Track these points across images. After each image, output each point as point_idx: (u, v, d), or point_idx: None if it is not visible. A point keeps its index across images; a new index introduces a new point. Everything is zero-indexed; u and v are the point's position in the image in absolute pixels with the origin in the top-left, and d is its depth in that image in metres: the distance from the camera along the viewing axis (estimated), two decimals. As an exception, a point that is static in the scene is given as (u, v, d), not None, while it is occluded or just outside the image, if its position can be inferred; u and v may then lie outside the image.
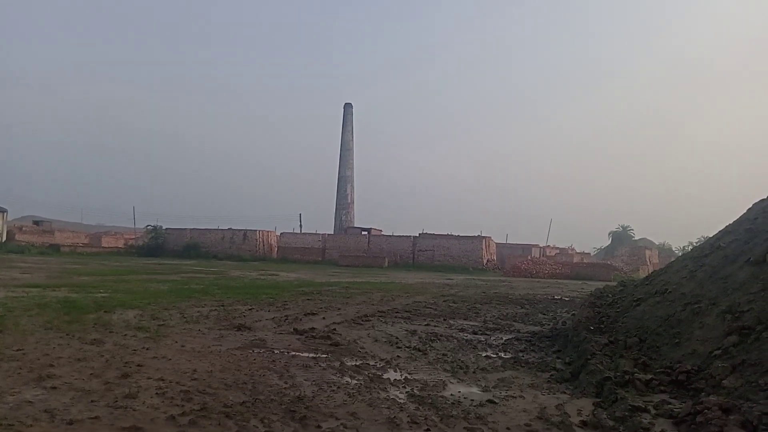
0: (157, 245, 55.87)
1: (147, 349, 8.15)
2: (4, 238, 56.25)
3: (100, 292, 15.55)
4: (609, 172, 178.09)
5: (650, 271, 22.45)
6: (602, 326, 9.99)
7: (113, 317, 11.02)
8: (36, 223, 72.78)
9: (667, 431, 5.07)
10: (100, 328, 9.66)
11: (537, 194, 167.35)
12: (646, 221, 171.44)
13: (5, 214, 60.41)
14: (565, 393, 6.73)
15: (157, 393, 5.85)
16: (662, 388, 6.44)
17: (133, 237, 67.45)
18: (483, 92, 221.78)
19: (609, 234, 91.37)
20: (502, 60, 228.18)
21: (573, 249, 73.49)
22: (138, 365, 7.06)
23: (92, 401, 5.44)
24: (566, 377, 7.46)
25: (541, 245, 65.95)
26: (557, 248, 70.63)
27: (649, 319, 8.96)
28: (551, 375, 7.66)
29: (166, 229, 58.70)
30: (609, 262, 54.68)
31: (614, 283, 18.66)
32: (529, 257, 53.19)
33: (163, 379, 6.40)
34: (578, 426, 5.41)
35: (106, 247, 60.62)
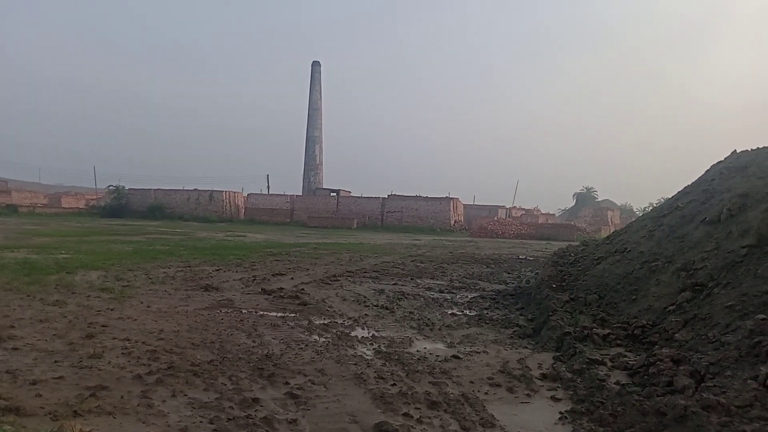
0: (119, 206, 54.47)
1: (111, 309, 8.05)
2: (-43, 199, 54.05)
3: (62, 254, 15.19)
4: (575, 135, 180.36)
5: (612, 231, 23.09)
6: (564, 284, 10.29)
7: (76, 278, 10.82)
8: (-9, 182, 70.02)
9: (622, 382, 5.32)
10: (62, 290, 9.48)
11: (504, 156, 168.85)
12: (609, 184, 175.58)
13: (-43, 173, 57.91)
14: (526, 348, 6.96)
15: (122, 353, 5.82)
16: (619, 342, 6.72)
17: (95, 198, 65.52)
18: (452, 54, 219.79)
19: (573, 195, 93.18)
20: (471, 20, 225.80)
21: (538, 210, 74.82)
22: (102, 326, 6.99)
23: (56, 362, 5.39)
24: (528, 333, 7.72)
25: (507, 206, 66.81)
26: (523, 209, 71.75)
27: (609, 277, 9.27)
28: (514, 331, 7.90)
29: (129, 189, 57.20)
30: (573, 223, 55.95)
31: (577, 243, 19.17)
32: (495, 218, 53.95)
33: (128, 339, 6.36)
34: (538, 378, 5.63)
35: (66, 208, 58.84)
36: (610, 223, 57.00)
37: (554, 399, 5.06)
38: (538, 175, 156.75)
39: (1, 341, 5.99)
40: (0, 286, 9.41)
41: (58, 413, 4.05)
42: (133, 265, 13.26)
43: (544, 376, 5.69)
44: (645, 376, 5.29)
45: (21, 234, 23.01)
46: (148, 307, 8.44)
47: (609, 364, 5.91)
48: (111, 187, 57.61)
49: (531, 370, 5.88)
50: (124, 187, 57.34)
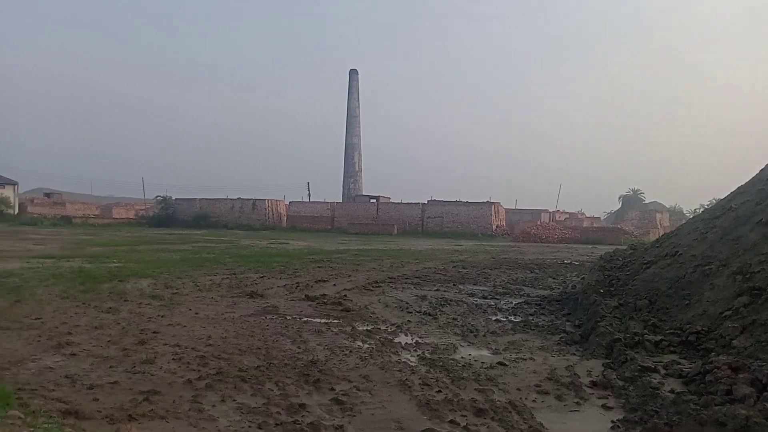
0: (167, 215, 56.14)
1: (162, 316, 8.29)
2: (17, 211, 56.80)
3: (114, 262, 15.76)
4: (619, 136, 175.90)
5: (661, 234, 22.35)
6: (612, 289, 10.02)
7: (127, 286, 11.19)
8: (47, 195, 73.35)
9: (677, 390, 5.13)
10: (116, 297, 9.83)
11: (546, 160, 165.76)
12: (657, 185, 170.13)
13: (16, 186, 60.87)
14: (574, 355, 6.80)
15: (173, 358, 5.98)
16: (672, 348, 6.49)
17: (144, 208, 67.85)
18: (492, 59, 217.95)
19: (619, 198, 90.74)
20: (512, 25, 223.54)
21: (583, 213, 73.19)
22: (154, 332, 7.20)
23: (111, 367, 5.58)
24: (576, 339, 7.54)
25: (550, 210, 65.67)
26: (567, 213, 70.33)
27: (660, 282, 8.97)
28: (561, 337, 7.73)
29: (176, 199, 58.89)
30: (619, 226, 54.46)
31: (624, 247, 18.62)
32: (538, 222, 53.07)
33: (178, 345, 6.53)
34: (588, 386, 5.48)
35: (116, 218, 61.07)
36: (659, 226, 55.19)
37: (605, 407, 4.92)
38: (581, 177, 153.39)
39: (60, 347, 6.25)
40: (57, 294, 9.83)
41: (114, 417, 4.19)
42: (181, 273, 13.63)
43: (594, 384, 5.54)
44: (701, 385, 5.09)
45: (75, 244, 23.99)
46: (196, 313, 8.65)
47: (662, 371, 5.72)
48: (159, 198, 59.48)
49: (580, 378, 5.73)
50: (171, 197, 59.10)
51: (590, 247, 36.24)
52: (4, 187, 58.56)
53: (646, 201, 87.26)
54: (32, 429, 3.46)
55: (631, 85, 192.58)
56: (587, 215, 72.54)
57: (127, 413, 4.28)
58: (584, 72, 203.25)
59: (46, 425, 3.57)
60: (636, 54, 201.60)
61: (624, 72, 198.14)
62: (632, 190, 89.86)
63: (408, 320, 8.80)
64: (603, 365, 6.18)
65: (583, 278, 13.80)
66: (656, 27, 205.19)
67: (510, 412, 4.70)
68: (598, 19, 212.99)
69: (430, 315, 9.30)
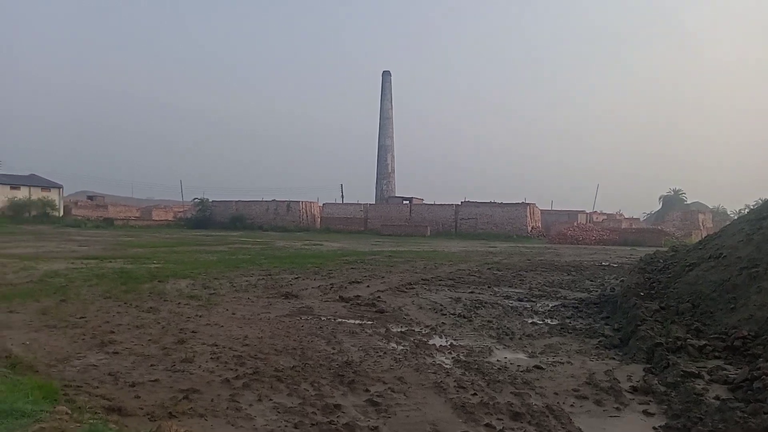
0: (204, 217, 57.38)
1: (200, 316, 8.46)
2: (62, 213, 58.92)
3: (153, 263, 16.17)
4: (660, 135, 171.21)
5: (704, 236, 21.66)
6: (653, 292, 9.75)
7: (167, 286, 11.46)
8: (90, 198, 75.81)
9: (722, 396, 4.96)
10: (155, 297, 10.08)
11: (583, 159, 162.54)
12: (699, 185, 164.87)
13: (61, 189, 63.15)
14: (614, 359, 6.65)
15: (211, 358, 6.09)
16: (716, 354, 6.28)
17: (182, 210, 69.47)
18: (525, 57, 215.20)
19: (659, 198, 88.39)
20: (545, 21, 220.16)
21: (621, 214, 71.58)
22: (192, 331, 7.35)
23: (152, 365, 5.72)
24: (615, 343, 7.37)
25: (587, 211, 64.44)
26: (604, 214, 68.92)
27: (703, 285, 8.68)
28: (599, 341, 7.57)
29: (213, 201, 60.15)
30: (659, 227, 53.01)
31: (665, 249, 18.10)
32: (575, 223, 52.14)
33: (216, 345, 6.65)
34: (628, 391, 5.35)
35: (156, 220, 62.71)
36: (702, 227, 53.51)
37: (646, 413, 4.79)
38: (620, 178, 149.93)
39: (104, 345, 6.44)
40: (100, 294, 10.14)
41: (155, 414, 4.29)
42: (218, 274, 13.88)
43: (634, 389, 5.40)
44: (748, 391, 4.91)
45: (117, 245, 24.71)
46: (233, 314, 8.79)
47: (707, 377, 5.53)
48: (196, 200, 60.85)
49: (620, 383, 5.60)
50: (208, 199, 60.38)
51: (629, 249, 35.39)
52: (50, 191, 60.88)
53: (688, 201, 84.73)
54: (79, 425, 3.57)
55: (672, 80, 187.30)
56: (626, 216, 70.93)
57: (168, 411, 4.38)
58: (622, 68, 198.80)
59: (92, 421, 3.68)
60: (678, 49, 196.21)
61: (664, 67, 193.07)
62: (673, 190, 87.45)
63: (442, 322, 8.76)
64: (644, 370, 6.02)
65: (622, 281, 13.48)
66: (699, 21, 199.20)
67: (547, 416, 4.62)
68: (634, 12, 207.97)
69: (464, 317, 9.23)
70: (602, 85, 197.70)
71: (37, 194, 58.82)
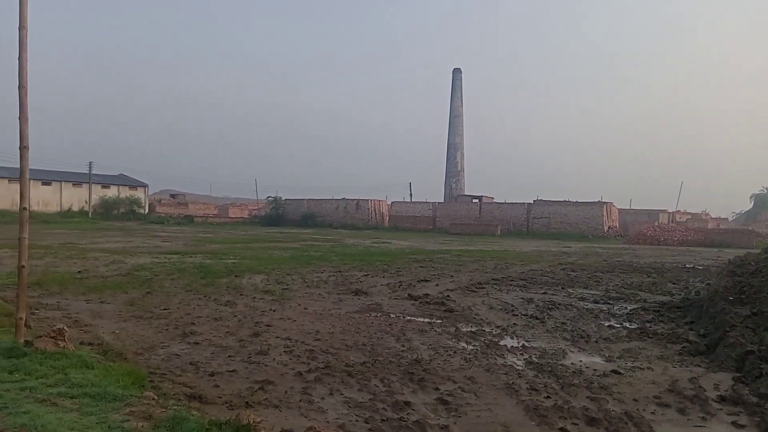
0: (277, 215, 59.19)
1: (274, 310, 8.73)
2: (147, 210, 62.62)
3: (230, 259, 16.86)
4: (751, 128, 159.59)
5: (801, 238, 19.97)
6: (743, 297, 9.09)
7: (243, 281, 11.91)
8: (172, 196, 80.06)
9: (825, 412, 4.55)
10: (232, 291, 10.49)
11: (665, 155, 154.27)
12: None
13: (147, 188, 67.09)
14: (699, 366, 6.26)
15: (285, 351, 6.27)
16: (818, 365, 5.77)
17: (256, 207, 71.90)
18: (597, 50, 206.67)
19: (751, 197, 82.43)
20: (620, 17, 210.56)
21: (707, 214, 67.41)
22: (267, 325, 7.60)
23: (229, 356, 5.96)
24: (701, 350, 6.94)
25: (670, 210, 61.05)
26: (689, 213, 65.11)
27: (802, 290, 8.01)
28: (683, 347, 7.15)
29: (286, 199, 61.91)
30: (750, 228, 49.48)
31: (758, 251, 16.86)
32: (656, 223, 49.56)
33: (289, 339, 6.84)
34: (715, 401, 5.03)
35: (232, 218, 65.38)
36: (799, 228, 49.44)
37: (736, 425, 4.48)
38: (706, 174, 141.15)
39: (185, 336, 6.78)
40: (182, 287, 10.68)
41: (233, 403, 4.47)
42: (291, 270, 14.27)
43: (722, 399, 5.06)
44: None
45: (197, 241, 25.95)
46: (305, 309, 9.01)
47: (806, 390, 5.10)
48: (270, 198, 62.82)
49: (706, 391, 5.27)
50: (281, 197, 62.21)
51: (716, 250, 33.25)
52: (136, 189, 64.85)
53: (784, 200, 78.53)
54: (164, 410, 3.77)
55: (761, 67, 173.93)
56: (712, 216, 66.75)
57: (245, 400, 4.55)
58: (705, 56, 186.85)
59: (176, 407, 3.88)
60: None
61: (752, 52, 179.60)
62: (766, 189, 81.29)
63: (513, 323, 8.58)
64: (733, 379, 5.63)
65: (708, 284, 12.69)
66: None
67: (626, 423, 4.42)
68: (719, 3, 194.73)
69: (537, 318, 8.99)
70: (685, 73, 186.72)
71: (125, 193, 62.89)
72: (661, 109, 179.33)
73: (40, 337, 5.15)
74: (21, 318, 5.17)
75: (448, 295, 10.95)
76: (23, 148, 5.21)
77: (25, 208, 5.25)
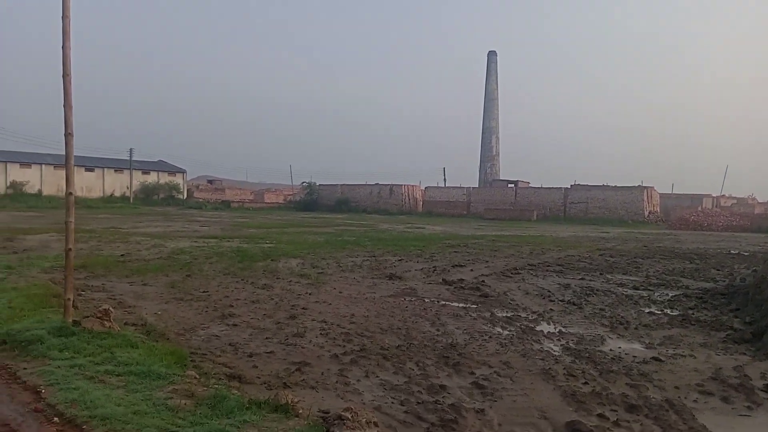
0: (311, 200, 59.78)
1: (309, 294, 8.84)
2: (185, 196, 64.05)
3: (267, 243, 17.12)
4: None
5: None
6: (792, 284, 8.76)
7: (279, 265, 12.09)
8: (210, 182, 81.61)
9: None
10: (269, 275, 10.67)
11: (710, 138, 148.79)
12: None
13: (185, 174, 68.55)
14: (744, 354, 6.08)
15: (320, 333, 6.35)
16: None
17: (291, 193, 72.72)
18: (641, 35, 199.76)
19: (800, 180, 79.13)
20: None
21: (754, 198, 64.93)
22: (303, 308, 7.70)
23: (267, 338, 6.07)
24: (746, 338, 6.72)
25: (714, 195, 59.10)
26: (734, 198, 62.89)
27: None
28: (727, 334, 6.95)
29: (320, 185, 62.43)
30: (799, 213, 47.54)
31: (807, 236, 16.17)
32: (699, 208, 48.08)
33: (325, 322, 6.92)
34: (762, 390, 4.87)
35: (268, 203, 66.37)
36: None
37: (784, 416, 4.34)
38: (753, 157, 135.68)
39: (224, 318, 6.94)
40: (220, 271, 10.91)
41: (271, 383, 4.56)
42: (326, 254, 14.41)
43: (769, 388, 4.91)
44: None
45: (234, 226, 26.42)
46: (340, 292, 9.09)
47: None
48: (304, 184, 63.41)
49: (751, 380, 5.11)
50: (315, 183, 62.73)
51: (763, 236, 32.07)
52: (175, 175, 66.33)
53: (837, 184, 74.96)
54: (205, 389, 3.88)
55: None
56: (759, 201, 64.20)
57: (282, 381, 4.63)
58: (750, 33, 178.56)
59: (216, 386, 3.98)
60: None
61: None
62: (818, 172, 77.68)
63: (550, 309, 8.47)
64: (781, 368, 5.45)
65: (754, 271, 12.24)
66: None
67: (667, 410, 4.33)
68: None
69: (574, 304, 8.86)
70: (732, 51, 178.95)
71: (164, 179, 64.44)
72: (704, 90, 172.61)
73: (87, 317, 5.34)
74: (69, 299, 5.37)
75: (483, 281, 10.88)
76: (68, 134, 5.37)
77: (71, 193, 5.43)
